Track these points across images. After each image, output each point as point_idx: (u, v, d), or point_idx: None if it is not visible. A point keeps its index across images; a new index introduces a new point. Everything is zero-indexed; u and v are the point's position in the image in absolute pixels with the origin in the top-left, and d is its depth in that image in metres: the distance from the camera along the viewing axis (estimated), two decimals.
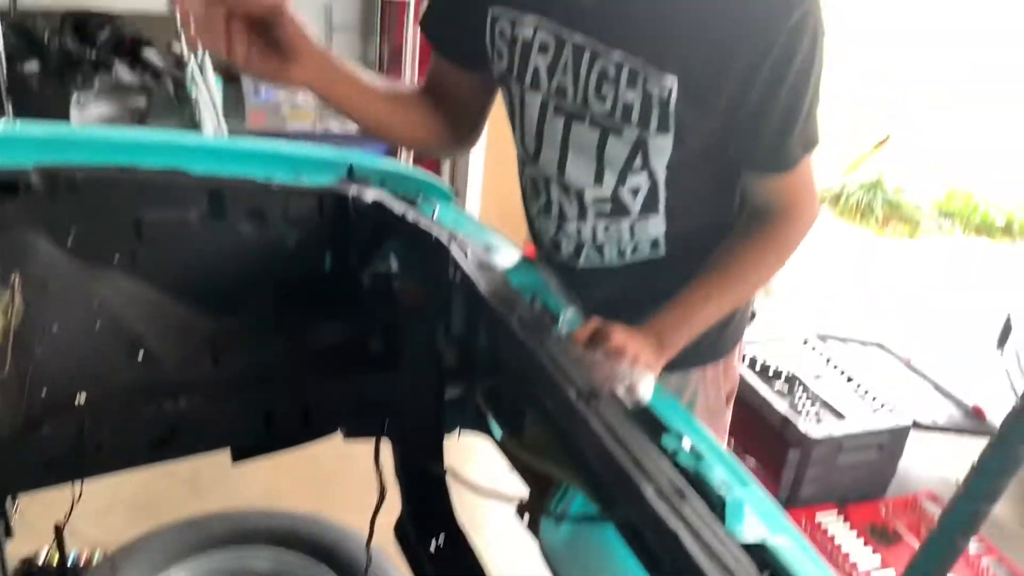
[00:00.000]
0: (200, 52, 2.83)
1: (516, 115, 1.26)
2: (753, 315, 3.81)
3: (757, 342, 3.08)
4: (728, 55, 1.07)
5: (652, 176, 1.22)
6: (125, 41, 2.96)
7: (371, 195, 1.39)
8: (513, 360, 1.09)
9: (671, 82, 1.09)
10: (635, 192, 1.24)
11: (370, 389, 1.41)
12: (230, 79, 3.24)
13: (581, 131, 1.20)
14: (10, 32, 2.76)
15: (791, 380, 2.98)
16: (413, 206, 1.40)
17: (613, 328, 1.09)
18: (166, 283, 1.35)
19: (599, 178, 1.23)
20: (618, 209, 1.27)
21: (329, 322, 1.43)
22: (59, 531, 1.46)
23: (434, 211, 1.37)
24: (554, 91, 1.19)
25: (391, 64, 3.57)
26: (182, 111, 2.95)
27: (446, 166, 3.66)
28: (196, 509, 1.90)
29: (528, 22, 1.17)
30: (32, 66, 2.81)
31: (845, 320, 3.93)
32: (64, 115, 2.80)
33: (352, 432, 1.47)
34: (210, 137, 1.44)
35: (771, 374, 2.98)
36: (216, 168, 1.34)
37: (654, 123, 1.14)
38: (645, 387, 1.06)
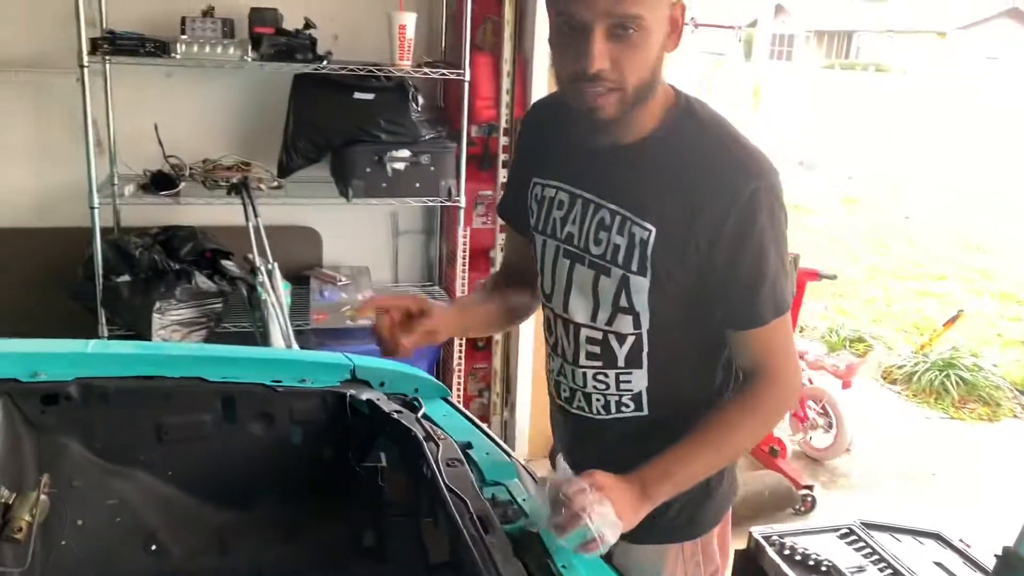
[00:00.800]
0: (271, 261, 3.15)
1: (538, 260, 1.47)
2: (812, 502, 3.69)
3: (798, 531, 2.97)
4: (695, 213, 1.26)
5: (637, 322, 1.35)
6: (205, 254, 3.34)
7: (366, 395, 1.54)
8: (462, 554, 1.17)
9: (650, 229, 1.29)
10: (621, 339, 1.37)
11: None
12: (297, 282, 3.57)
13: (582, 271, 1.38)
14: (107, 248, 3.15)
15: (830, 572, 2.84)
16: (411, 405, 1.54)
17: (596, 472, 1.20)
18: (181, 480, 1.51)
19: (594, 315, 1.38)
20: (606, 355, 1.39)
21: (327, 516, 1.54)
22: None
23: (420, 409, 1.50)
24: (564, 238, 1.39)
25: (448, 259, 3.85)
26: (253, 313, 3.24)
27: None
28: None
29: (552, 185, 1.41)
30: (124, 277, 3.18)
31: (903, 506, 3.76)
32: (148, 321, 3.12)
33: None
34: (226, 348, 1.63)
35: (810, 564, 2.85)
36: (233, 374, 1.53)
37: (635, 264, 1.31)
38: (612, 532, 1.14)
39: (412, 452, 1.39)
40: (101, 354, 1.47)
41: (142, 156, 3.36)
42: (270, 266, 3.22)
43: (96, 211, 3.08)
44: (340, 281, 3.53)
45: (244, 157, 3.49)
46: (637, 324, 1.36)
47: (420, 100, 3.34)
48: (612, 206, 1.33)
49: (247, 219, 3.14)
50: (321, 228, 3.76)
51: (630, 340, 1.37)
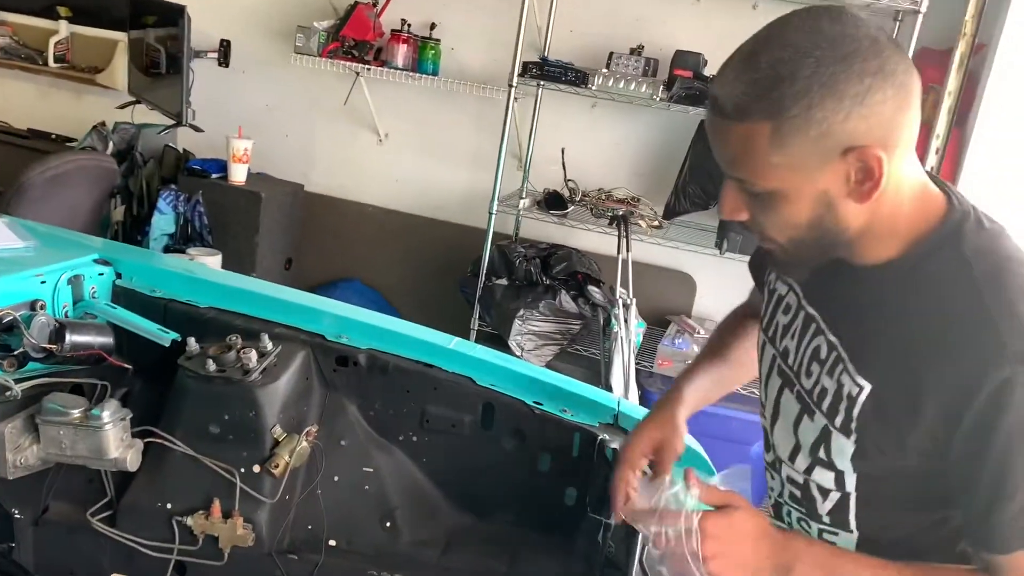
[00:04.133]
0: (630, 297, 3.17)
1: (759, 360, 1.26)
2: None
3: None
4: (923, 388, 0.95)
5: (840, 480, 1.08)
6: (577, 275, 3.46)
7: (616, 443, 1.45)
8: None
9: (864, 387, 1.01)
10: (824, 493, 1.11)
11: None
12: (658, 324, 3.53)
13: (788, 400, 1.14)
14: (496, 252, 3.43)
15: None
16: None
17: (738, 511, 1.01)
18: (431, 469, 1.56)
19: (793, 456, 1.13)
20: (808, 504, 1.14)
21: (548, 552, 1.47)
22: None
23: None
24: (782, 351, 1.17)
25: None
26: (603, 342, 3.29)
27: None
28: None
29: (786, 282, 1.19)
30: (502, 281, 3.43)
31: None
32: (510, 326, 3.33)
33: None
34: (502, 357, 1.64)
35: None
36: (501, 384, 1.54)
37: (838, 420, 1.04)
38: None
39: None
40: (394, 332, 1.58)
41: (548, 176, 3.61)
42: (628, 301, 3.23)
43: (493, 217, 3.38)
44: (698, 333, 3.42)
45: (635, 192, 3.56)
46: (840, 483, 1.08)
47: None
48: (831, 337, 1.07)
49: (618, 251, 3.19)
50: (698, 277, 3.69)
51: (834, 497, 1.10)
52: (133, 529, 1.43)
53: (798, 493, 1.15)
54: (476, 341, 3.26)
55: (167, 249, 3.64)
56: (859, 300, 1.05)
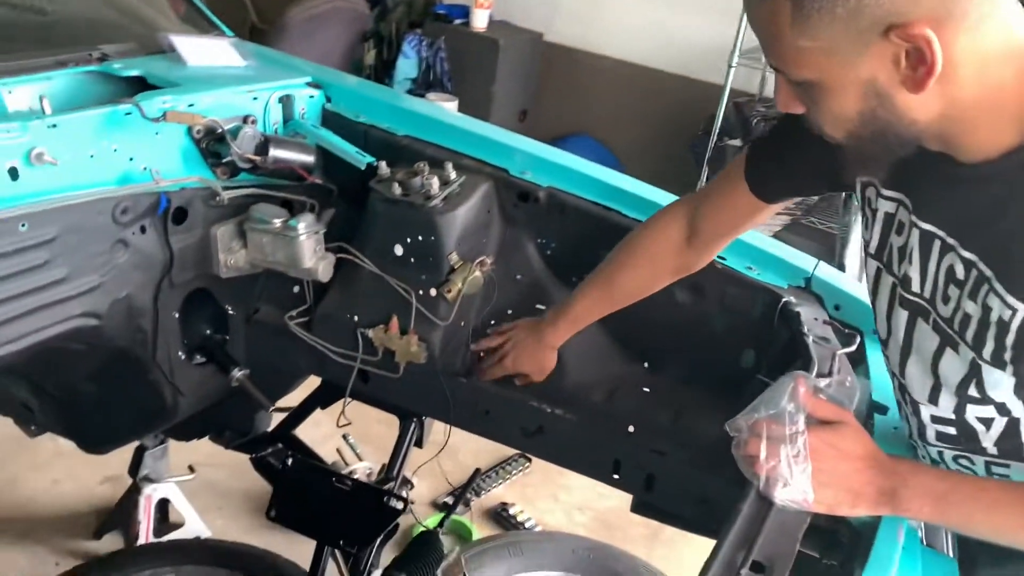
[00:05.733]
0: None
1: (872, 292, 1.08)
2: None
3: None
4: None
5: (1003, 408, 0.91)
6: None
7: (805, 310, 1.33)
8: None
9: (1018, 308, 0.83)
10: (986, 423, 0.94)
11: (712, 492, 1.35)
12: None
13: (924, 332, 0.97)
14: (731, 110, 3.20)
15: None
16: (848, 339, 1.29)
17: (846, 429, 0.96)
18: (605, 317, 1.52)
19: (934, 396, 0.97)
20: (967, 438, 0.98)
21: (716, 410, 1.41)
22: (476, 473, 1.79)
23: (851, 347, 1.24)
24: (902, 278, 0.98)
25: None
26: (841, 215, 3.01)
27: None
28: None
29: (892, 198, 0.99)
30: (735, 142, 3.22)
31: None
32: None
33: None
34: None
35: None
36: None
37: (987, 350, 0.87)
38: (783, 494, 0.92)
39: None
40: (577, 171, 1.53)
41: None
42: None
43: (732, 71, 3.14)
44: None
45: None
46: (1004, 410, 0.92)
47: None
48: (965, 253, 0.88)
49: None
50: None
51: (999, 425, 0.93)
52: (325, 336, 1.54)
53: (951, 431, 0.99)
54: None
55: (408, 93, 3.78)
56: (982, 203, 0.86)
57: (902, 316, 1.00)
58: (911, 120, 0.83)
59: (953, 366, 0.94)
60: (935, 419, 1.00)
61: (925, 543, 1.03)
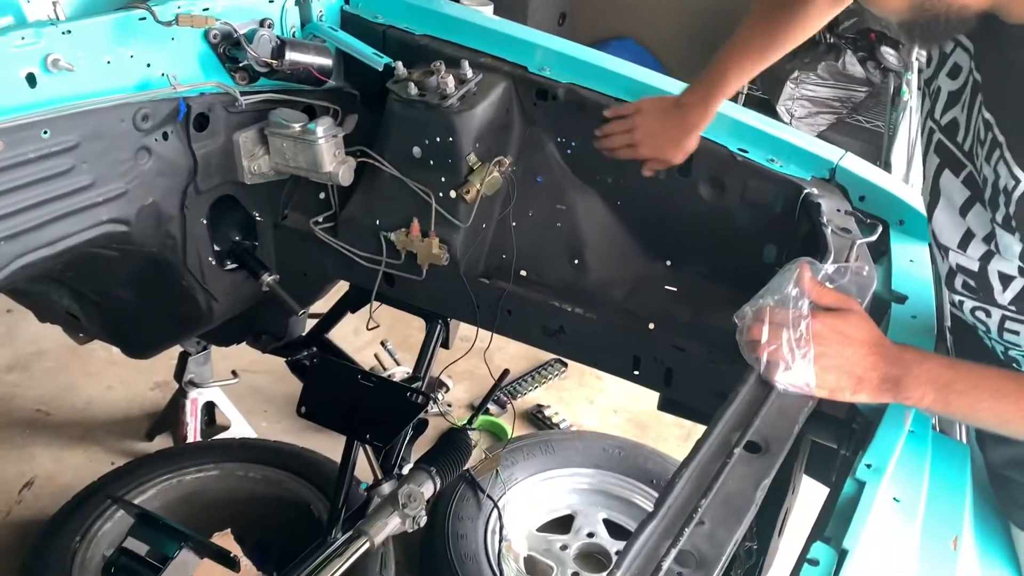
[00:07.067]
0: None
1: (918, 125, 1.07)
2: None
3: None
4: None
5: (1022, 269, 0.89)
6: (869, 34, 3.01)
7: (828, 202, 1.30)
8: None
9: (1018, 179, 0.83)
10: (1005, 280, 0.91)
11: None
12: None
13: (951, 182, 0.96)
14: None
15: None
16: (871, 228, 1.27)
17: (851, 315, 0.94)
18: (626, 213, 1.51)
19: (964, 244, 0.95)
20: (984, 291, 0.95)
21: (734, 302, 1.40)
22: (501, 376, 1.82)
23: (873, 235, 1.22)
24: (944, 124, 0.96)
25: None
26: (888, 113, 2.89)
27: None
28: None
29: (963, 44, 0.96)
30: None
31: None
32: (779, 89, 3.03)
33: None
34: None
35: None
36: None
37: (999, 214, 0.87)
38: (784, 378, 0.91)
39: None
40: (596, 66, 1.49)
41: None
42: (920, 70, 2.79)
43: None
44: None
45: None
46: (1023, 272, 0.90)
47: None
48: (987, 115, 0.86)
49: None
50: None
51: (1016, 285, 0.92)
52: (350, 240, 1.56)
53: (972, 282, 0.97)
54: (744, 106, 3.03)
55: None
56: (1012, 66, 0.85)
57: (933, 163, 1.00)
58: (961, 5, 0.82)
59: (978, 220, 0.94)
60: (960, 268, 0.99)
61: (938, 430, 1.03)
